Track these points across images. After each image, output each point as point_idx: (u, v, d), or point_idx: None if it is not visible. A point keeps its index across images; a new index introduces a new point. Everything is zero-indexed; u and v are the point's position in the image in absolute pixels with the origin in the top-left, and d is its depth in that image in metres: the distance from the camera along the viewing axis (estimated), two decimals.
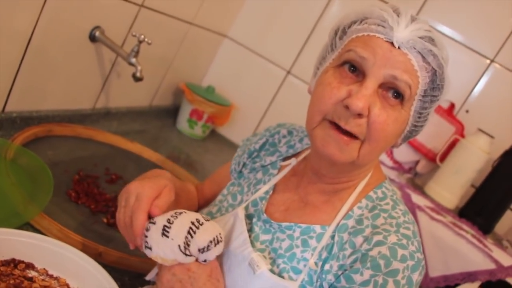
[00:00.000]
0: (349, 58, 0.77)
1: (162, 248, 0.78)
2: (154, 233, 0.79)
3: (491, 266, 1.37)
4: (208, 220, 0.83)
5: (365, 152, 0.78)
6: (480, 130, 1.68)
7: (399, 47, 0.74)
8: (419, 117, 0.81)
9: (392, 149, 1.83)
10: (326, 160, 0.81)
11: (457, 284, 1.40)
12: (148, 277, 0.89)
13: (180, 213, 0.82)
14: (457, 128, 1.79)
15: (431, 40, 0.76)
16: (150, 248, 0.79)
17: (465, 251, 1.41)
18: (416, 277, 0.75)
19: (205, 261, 0.80)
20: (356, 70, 0.77)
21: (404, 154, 1.84)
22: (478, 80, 1.81)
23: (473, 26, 1.81)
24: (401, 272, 0.73)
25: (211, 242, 0.79)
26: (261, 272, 0.79)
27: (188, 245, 0.78)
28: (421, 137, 1.80)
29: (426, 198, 1.65)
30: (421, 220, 1.47)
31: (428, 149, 1.81)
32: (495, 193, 1.62)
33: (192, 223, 0.80)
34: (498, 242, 1.60)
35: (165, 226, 0.79)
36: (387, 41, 0.75)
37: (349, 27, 0.81)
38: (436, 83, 0.78)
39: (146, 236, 0.80)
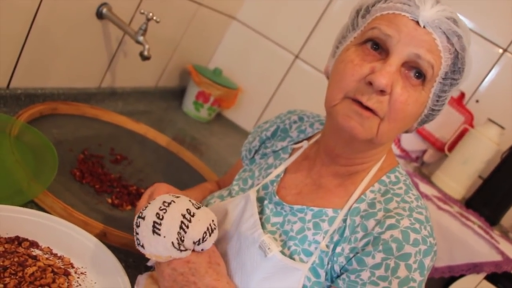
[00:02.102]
0: (373, 35, 0.76)
1: (155, 246, 0.76)
2: (144, 230, 0.76)
3: (497, 257, 1.36)
4: (199, 208, 0.80)
5: (384, 130, 0.76)
6: (490, 120, 1.66)
7: (424, 27, 0.73)
8: (437, 101, 0.80)
9: (399, 137, 1.81)
10: (345, 136, 0.79)
11: (462, 275, 1.39)
12: (150, 263, 0.88)
13: (169, 203, 0.78)
14: (467, 117, 1.76)
15: (455, 22, 0.75)
16: (143, 246, 0.77)
17: (471, 242, 1.39)
18: (428, 262, 0.74)
19: (202, 250, 0.79)
20: (379, 48, 0.76)
21: (411, 142, 1.81)
22: (490, 70, 1.78)
23: (486, 14, 1.78)
24: (413, 256, 0.72)
25: (205, 233, 0.78)
26: (272, 255, 0.78)
27: (182, 240, 0.76)
28: (429, 126, 1.78)
29: (433, 187, 1.63)
30: (428, 209, 1.45)
31: (436, 138, 1.78)
32: (503, 184, 1.60)
33: (183, 215, 0.77)
34: (505, 234, 1.59)
35: (155, 222, 0.76)
36: (412, 20, 0.74)
37: (373, 5, 0.79)
38: (457, 66, 0.77)
39: (137, 233, 0.77)
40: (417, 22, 0.73)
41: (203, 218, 0.79)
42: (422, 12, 0.73)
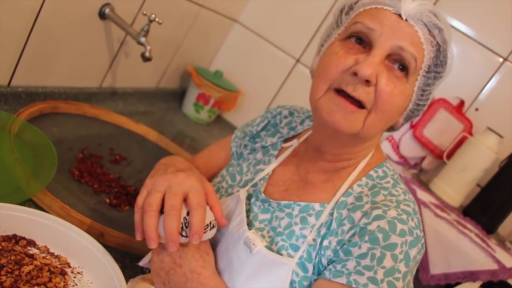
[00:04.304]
0: (356, 29, 0.78)
1: (160, 226, 0.77)
2: None
3: (494, 266, 1.36)
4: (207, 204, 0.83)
5: (370, 122, 0.77)
6: (489, 129, 1.66)
7: (406, 19, 0.75)
8: (422, 95, 0.81)
9: (398, 143, 1.81)
10: (330, 131, 0.80)
11: (458, 283, 1.39)
12: (141, 263, 0.88)
13: None
14: (466, 125, 1.76)
15: (436, 15, 0.77)
16: None
17: (468, 250, 1.39)
18: (414, 253, 0.74)
19: None
20: (362, 42, 0.78)
21: (410, 149, 1.82)
22: (490, 78, 1.78)
23: (488, 23, 1.78)
24: (399, 247, 0.72)
25: (207, 225, 0.80)
26: (257, 250, 0.79)
27: (186, 226, 0.78)
28: (429, 133, 1.78)
29: (431, 194, 1.63)
30: (425, 216, 1.46)
31: (435, 145, 1.79)
32: (500, 193, 1.61)
33: None
34: (501, 242, 1.59)
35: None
36: (394, 13, 0.76)
37: (356, 3, 0.82)
38: (439, 59, 0.79)
39: None
40: (399, 16, 0.75)
41: (208, 213, 0.81)
42: (404, 5, 0.75)
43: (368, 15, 0.77)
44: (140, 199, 0.79)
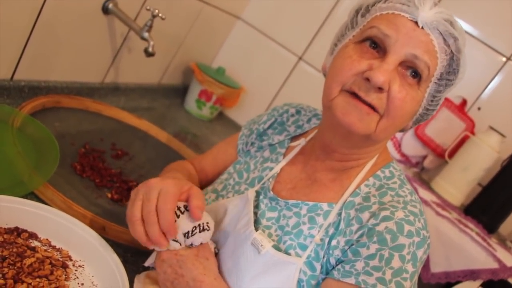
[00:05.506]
0: (371, 34, 0.78)
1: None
2: None
3: (494, 265, 1.36)
4: None
5: (382, 127, 0.78)
6: (492, 128, 1.66)
7: (422, 27, 0.75)
8: (432, 101, 0.82)
9: (400, 142, 1.81)
10: (343, 131, 0.80)
11: (459, 281, 1.39)
12: (146, 263, 0.89)
13: None
14: (468, 125, 1.76)
15: (452, 24, 0.78)
16: None
17: (469, 249, 1.39)
18: (421, 254, 0.75)
19: (191, 245, 0.81)
20: (377, 46, 0.78)
21: (412, 148, 1.82)
22: (493, 78, 1.78)
23: (491, 22, 1.78)
24: (406, 248, 0.73)
25: (195, 227, 0.80)
26: (266, 251, 0.79)
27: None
28: (430, 132, 1.78)
29: (433, 193, 1.64)
30: (427, 215, 1.45)
31: (437, 144, 1.79)
32: (502, 192, 1.61)
33: (178, 208, 0.80)
34: (502, 242, 1.59)
35: None
36: (411, 20, 0.76)
37: (373, 5, 0.81)
38: (452, 67, 0.79)
39: None
40: (416, 23, 0.75)
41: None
42: (421, 13, 0.75)
43: (384, 21, 0.77)
44: (127, 211, 0.80)
